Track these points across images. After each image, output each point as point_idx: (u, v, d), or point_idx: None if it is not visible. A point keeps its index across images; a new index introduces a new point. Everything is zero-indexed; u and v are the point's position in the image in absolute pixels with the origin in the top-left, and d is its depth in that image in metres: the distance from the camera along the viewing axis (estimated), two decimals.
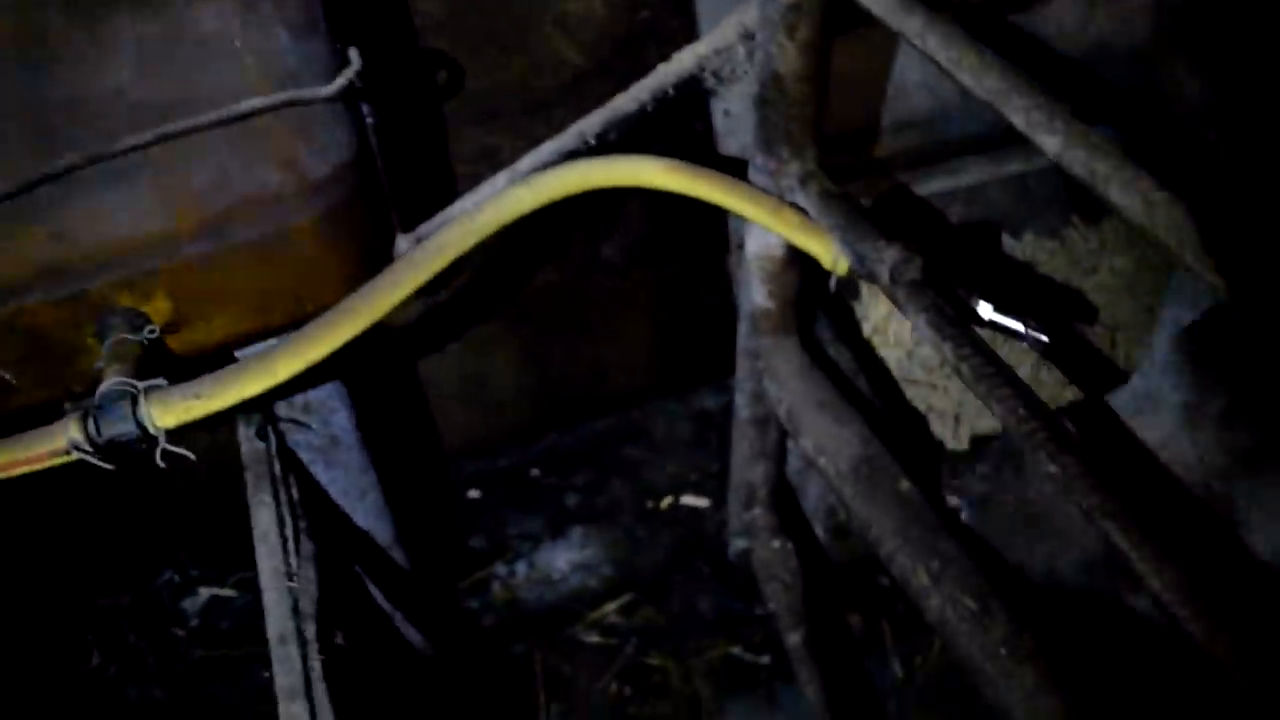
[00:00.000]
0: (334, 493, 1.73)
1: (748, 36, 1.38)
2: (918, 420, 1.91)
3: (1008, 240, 2.13)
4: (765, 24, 1.32)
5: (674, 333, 2.32)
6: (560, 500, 2.23)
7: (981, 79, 1.01)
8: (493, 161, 1.97)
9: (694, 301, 2.30)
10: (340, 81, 1.31)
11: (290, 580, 1.40)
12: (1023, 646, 1.24)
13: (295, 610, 1.36)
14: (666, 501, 2.19)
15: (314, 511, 1.67)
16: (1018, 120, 0.97)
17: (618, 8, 1.89)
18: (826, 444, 1.51)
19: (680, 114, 1.95)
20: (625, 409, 2.35)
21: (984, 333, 1.36)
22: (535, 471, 2.27)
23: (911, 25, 1.09)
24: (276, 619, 1.33)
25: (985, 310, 1.32)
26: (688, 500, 2.19)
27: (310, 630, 1.39)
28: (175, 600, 2.17)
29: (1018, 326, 1.31)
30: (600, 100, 1.53)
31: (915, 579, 1.35)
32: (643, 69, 1.72)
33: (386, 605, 1.85)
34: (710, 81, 1.43)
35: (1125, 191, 0.87)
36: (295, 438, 1.66)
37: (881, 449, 1.49)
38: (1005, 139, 2.18)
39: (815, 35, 1.31)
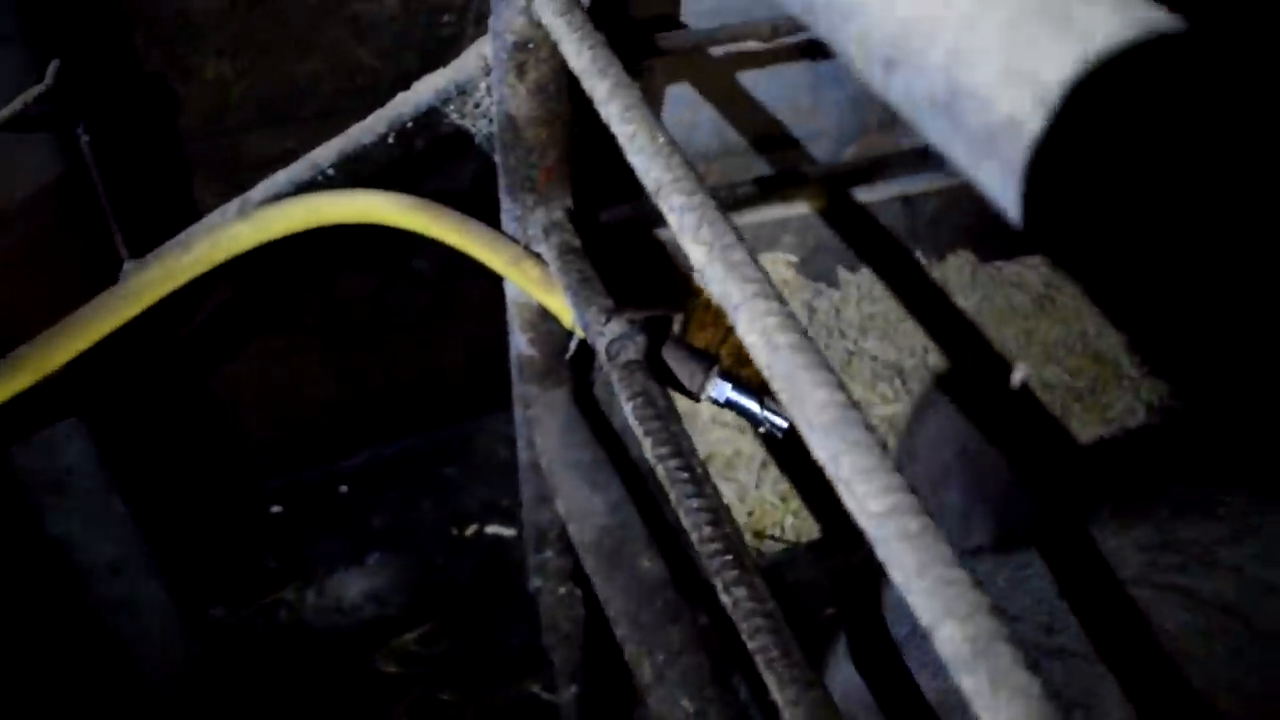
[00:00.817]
0: (73, 526, 1.60)
1: (489, 71, 1.26)
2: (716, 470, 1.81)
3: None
4: (496, 62, 1.20)
5: (497, 348, 2.20)
6: (366, 521, 2.12)
7: (649, 166, 0.89)
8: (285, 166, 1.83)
9: None
10: (14, 106, 1.17)
11: None
12: None
13: None
14: (472, 529, 2.09)
15: (38, 546, 1.55)
16: (671, 220, 0.85)
17: (416, 13, 1.75)
18: (575, 509, 1.41)
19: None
20: (444, 426, 2.24)
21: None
22: (344, 488, 2.16)
23: (600, 89, 0.97)
24: None
25: (721, 390, 1.21)
26: (493, 529, 2.08)
27: None
28: None
29: (753, 408, 1.20)
30: None
31: (640, 670, 1.26)
32: None
33: (140, 640, 1.74)
34: (454, 116, 1.30)
35: (750, 325, 0.76)
36: (24, 465, 1.53)
37: (634, 518, 1.39)
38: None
39: (549, 78, 1.18)
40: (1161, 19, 0.40)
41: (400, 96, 1.31)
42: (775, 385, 0.73)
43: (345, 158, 1.33)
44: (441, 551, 2.07)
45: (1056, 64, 0.40)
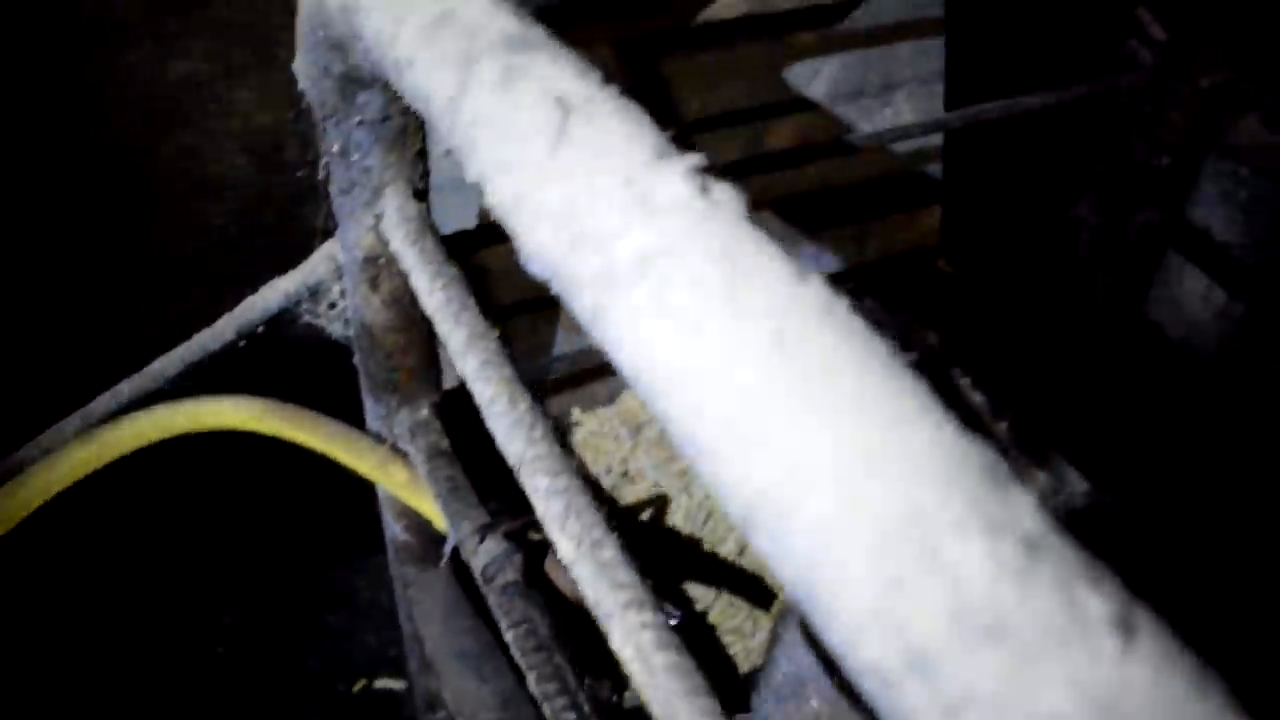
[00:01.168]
0: None
1: (340, 274, 1.20)
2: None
3: None
4: (348, 273, 1.14)
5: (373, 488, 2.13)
6: (244, 685, 2.01)
7: (509, 437, 0.85)
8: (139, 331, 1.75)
9: None
10: None
11: None
12: None
13: None
14: (360, 684, 2.00)
15: None
16: (534, 503, 0.81)
17: (270, 169, 1.68)
18: (464, 704, 1.35)
19: None
20: (322, 572, 2.15)
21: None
22: (221, 649, 2.05)
23: (455, 338, 0.93)
24: None
25: None
26: (383, 683, 2.00)
27: None
28: None
29: None
30: (254, 262, 1.35)
31: None
32: (303, 229, 1.54)
33: None
34: (307, 317, 1.24)
35: (624, 639, 0.72)
36: None
37: (527, 712, 1.33)
38: None
39: (404, 290, 1.13)
40: (1052, 543, 0.38)
41: (247, 301, 1.24)
42: (653, 710, 0.70)
43: (191, 366, 1.25)
44: (330, 712, 1.98)
45: (925, 621, 0.37)
